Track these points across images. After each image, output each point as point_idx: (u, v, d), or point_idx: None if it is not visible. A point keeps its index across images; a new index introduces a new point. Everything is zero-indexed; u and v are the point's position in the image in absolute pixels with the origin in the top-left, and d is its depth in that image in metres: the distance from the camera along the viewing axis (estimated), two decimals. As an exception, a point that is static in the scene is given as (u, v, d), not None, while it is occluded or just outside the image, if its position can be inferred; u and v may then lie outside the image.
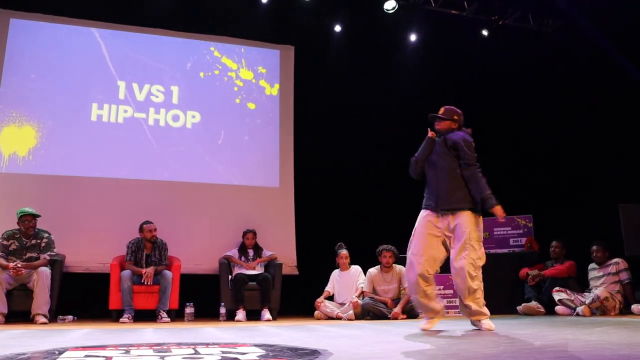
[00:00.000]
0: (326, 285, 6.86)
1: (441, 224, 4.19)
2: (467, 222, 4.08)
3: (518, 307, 6.58)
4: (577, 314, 6.13)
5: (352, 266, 6.85)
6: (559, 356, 2.33)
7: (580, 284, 6.69)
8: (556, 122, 8.43)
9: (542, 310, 6.49)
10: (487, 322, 4.08)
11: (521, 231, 7.52)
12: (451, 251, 4.15)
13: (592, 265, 6.64)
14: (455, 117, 4.44)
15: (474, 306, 4.06)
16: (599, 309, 6.15)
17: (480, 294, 4.07)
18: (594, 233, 6.97)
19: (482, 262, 4.10)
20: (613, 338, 3.13)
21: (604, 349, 2.55)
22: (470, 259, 4.01)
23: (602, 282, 6.43)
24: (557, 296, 6.45)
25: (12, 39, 7.23)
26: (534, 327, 4.27)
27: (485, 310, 4.11)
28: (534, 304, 6.51)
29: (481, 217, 4.20)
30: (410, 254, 4.25)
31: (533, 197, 8.26)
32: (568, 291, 6.48)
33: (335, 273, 6.88)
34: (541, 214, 7.73)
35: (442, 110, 4.49)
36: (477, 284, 4.05)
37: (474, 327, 4.19)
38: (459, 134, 4.34)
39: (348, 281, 6.74)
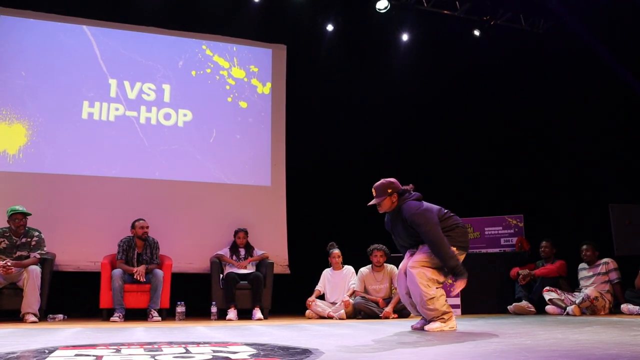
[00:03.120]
0: (317, 284, 6.86)
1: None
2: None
3: (509, 307, 6.60)
4: (567, 314, 6.17)
5: (345, 266, 6.85)
6: (549, 355, 2.34)
7: (571, 284, 6.73)
8: (547, 122, 8.48)
9: (533, 309, 6.52)
10: (437, 325, 3.96)
11: (512, 231, 7.55)
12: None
13: (582, 265, 6.68)
14: (389, 191, 4.18)
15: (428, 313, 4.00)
16: (589, 308, 6.18)
17: (434, 304, 3.96)
18: (585, 233, 7.02)
19: (437, 277, 4.01)
20: (603, 337, 3.14)
21: (594, 348, 2.57)
22: (422, 268, 3.97)
23: (592, 281, 6.47)
24: (547, 296, 6.48)
25: (2, 36, 7.18)
26: (525, 327, 4.29)
27: (443, 308, 4.00)
28: (524, 303, 6.53)
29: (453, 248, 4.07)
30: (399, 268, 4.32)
31: (524, 196, 8.30)
32: (558, 291, 6.51)
33: (327, 272, 6.88)
34: (532, 214, 7.77)
35: (374, 193, 4.24)
36: (433, 294, 3.96)
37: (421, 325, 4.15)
38: (406, 208, 4.13)
39: (340, 281, 6.74)
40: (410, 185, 4.31)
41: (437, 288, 4.01)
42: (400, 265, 4.32)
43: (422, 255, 4.04)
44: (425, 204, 4.19)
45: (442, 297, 4.02)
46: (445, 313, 4.02)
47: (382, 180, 4.26)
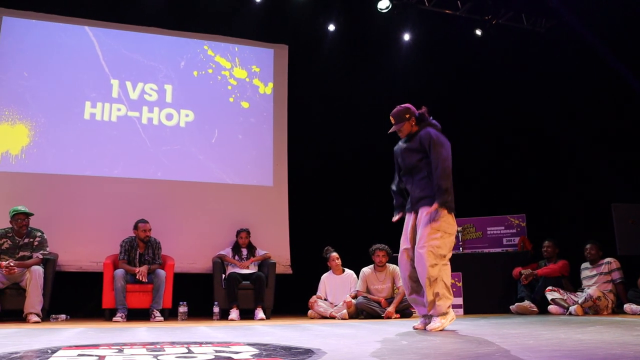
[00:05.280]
0: (317, 288, 6.83)
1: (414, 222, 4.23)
2: (423, 221, 4.07)
3: (511, 307, 6.59)
4: (570, 314, 6.16)
5: (346, 271, 6.82)
6: (551, 355, 2.33)
7: (573, 284, 6.72)
8: (549, 121, 8.47)
9: (535, 309, 6.51)
10: (439, 322, 3.97)
11: (514, 230, 7.54)
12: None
13: (584, 265, 6.67)
14: (407, 116, 4.25)
15: (429, 297, 4.00)
16: (592, 308, 6.18)
17: (440, 287, 3.97)
18: (587, 232, 7.01)
19: (442, 252, 4.00)
20: (606, 337, 3.14)
21: (597, 348, 2.56)
22: (429, 247, 3.97)
23: (594, 281, 6.46)
24: (550, 295, 6.47)
25: (4, 37, 7.19)
26: (527, 327, 4.28)
27: (444, 308, 4.01)
28: (527, 303, 6.53)
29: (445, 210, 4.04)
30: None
31: (526, 196, 8.29)
32: (561, 290, 6.50)
33: (325, 277, 6.85)
34: (534, 214, 7.76)
35: (392, 120, 4.30)
36: (436, 273, 3.96)
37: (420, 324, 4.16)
38: (428, 131, 4.18)
39: (341, 286, 6.71)
40: (424, 107, 4.35)
41: (443, 265, 4.00)
42: (401, 244, 4.27)
43: (427, 231, 4.02)
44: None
45: (446, 275, 4.01)
46: (447, 307, 4.04)
47: (398, 107, 4.30)
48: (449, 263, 4.09)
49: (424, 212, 4.08)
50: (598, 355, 2.30)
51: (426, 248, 3.97)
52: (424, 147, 4.14)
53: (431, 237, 4.00)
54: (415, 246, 4.09)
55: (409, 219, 4.29)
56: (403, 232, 4.30)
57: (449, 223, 4.05)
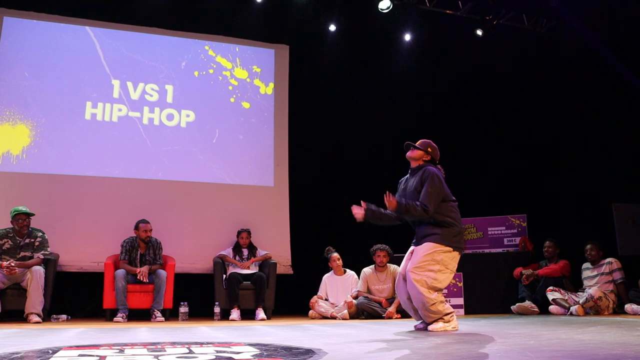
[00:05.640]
0: (318, 288, 6.83)
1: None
2: (424, 247, 4.09)
3: (512, 307, 6.59)
4: (571, 314, 6.16)
5: (347, 271, 6.83)
6: (552, 356, 2.33)
7: (574, 284, 6.72)
8: (550, 121, 8.47)
9: (536, 309, 6.51)
10: (440, 325, 3.99)
11: (515, 231, 7.53)
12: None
13: (585, 265, 6.67)
14: (429, 150, 4.38)
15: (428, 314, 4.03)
16: (593, 308, 6.17)
17: (436, 307, 3.98)
18: (588, 233, 7.00)
19: (439, 285, 4.00)
20: (607, 337, 3.14)
21: (598, 349, 2.56)
22: (426, 275, 3.97)
23: (595, 281, 6.45)
24: (550, 296, 6.47)
25: (5, 37, 7.19)
26: (528, 327, 4.28)
27: (444, 310, 4.02)
28: (527, 303, 6.53)
29: (449, 248, 4.09)
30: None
31: (527, 196, 8.29)
32: (562, 291, 6.50)
33: (327, 277, 6.85)
34: (535, 214, 7.76)
35: (419, 142, 4.44)
36: (434, 298, 3.96)
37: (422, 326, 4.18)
38: (430, 168, 4.26)
39: (342, 286, 6.72)
40: (440, 167, 4.42)
41: (437, 293, 4.01)
42: (400, 269, 4.30)
43: (421, 259, 4.03)
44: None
45: (442, 301, 4.03)
46: (447, 314, 4.02)
47: (429, 140, 4.45)
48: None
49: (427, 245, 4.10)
50: (599, 355, 2.30)
51: (421, 277, 3.96)
52: (424, 179, 4.18)
53: (428, 268, 4.00)
54: (408, 266, 4.09)
55: (412, 250, 4.30)
56: (404, 259, 4.31)
57: (451, 259, 4.09)
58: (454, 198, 4.28)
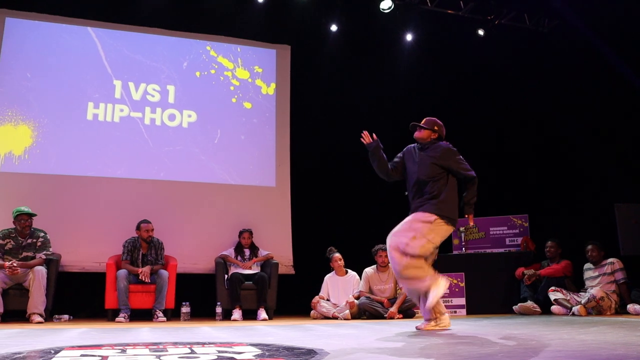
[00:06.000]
0: (320, 288, 6.83)
1: None
2: (407, 218, 4.19)
3: (514, 307, 6.59)
4: (573, 314, 6.15)
5: (349, 272, 6.83)
6: (555, 356, 2.33)
7: (576, 284, 6.71)
8: (552, 121, 8.45)
9: (538, 310, 6.50)
10: (433, 323, 4.10)
11: (517, 231, 7.53)
12: None
13: (587, 265, 6.66)
14: (436, 128, 4.48)
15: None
16: (595, 308, 6.16)
17: (409, 272, 4.02)
18: (590, 233, 6.99)
19: (411, 251, 4.01)
20: (609, 338, 3.13)
21: (600, 349, 2.56)
22: (399, 240, 4.05)
23: (597, 281, 6.44)
24: (553, 296, 6.47)
25: (7, 38, 7.20)
26: (530, 327, 4.28)
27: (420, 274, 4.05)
28: (529, 303, 6.52)
29: (438, 219, 4.12)
30: None
31: (529, 196, 8.28)
32: (564, 291, 6.49)
33: (329, 278, 6.85)
34: (537, 214, 7.75)
35: (424, 120, 4.54)
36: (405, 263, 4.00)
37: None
38: (441, 144, 4.40)
39: (343, 287, 6.71)
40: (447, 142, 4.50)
41: (410, 257, 4.01)
42: None
43: (399, 227, 4.15)
44: None
45: (418, 267, 4.02)
46: (440, 314, 4.13)
47: (435, 118, 4.53)
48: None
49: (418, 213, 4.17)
50: (601, 355, 2.29)
51: (394, 242, 4.07)
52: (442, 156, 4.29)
53: (403, 234, 4.08)
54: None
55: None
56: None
57: (431, 229, 4.09)
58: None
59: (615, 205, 6.98)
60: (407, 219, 4.19)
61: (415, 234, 4.05)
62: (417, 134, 4.50)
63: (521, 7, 8.52)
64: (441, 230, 4.14)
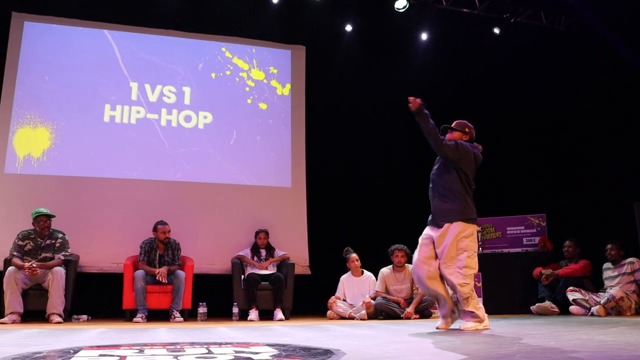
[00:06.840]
0: (336, 289, 6.83)
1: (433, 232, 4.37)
2: (449, 233, 4.23)
3: (532, 307, 6.54)
4: (592, 314, 6.09)
5: (365, 272, 6.80)
6: (573, 357, 2.31)
7: (595, 284, 6.64)
8: (570, 120, 8.36)
9: (556, 310, 6.45)
10: (472, 324, 4.14)
11: (534, 230, 7.47)
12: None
13: (606, 265, 6.58)
14: (467, 130, 4.58)
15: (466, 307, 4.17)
16: (614, 309, 6.10)
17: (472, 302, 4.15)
18: (609, 232, 6.90)
19: (470, 271, 4.16)
20: (629, 339, 3.10)
21: (620, 350, 2.53)
22: (454, 269, 4.14)
23: (617, 281, 6.37)
24: (571, 296, 6.40)
25: (26, 42, 7.29)
26: (548, 327, 4.24)
27: (478, 312, 4.17)
28: (547, 303, 6.46)
29: (472, 225, 4.24)
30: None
31: (546, 195, 8.20)
32: (582, 291, 6.43)
33: (345, 278, 6.83)
34: (555, 213, 7.68)
35: (454, 123, 4.62)
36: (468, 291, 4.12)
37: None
38: (463, 142, 4.49)
39: (359, 287, 6.69)
40: (477, 144, 4.62)
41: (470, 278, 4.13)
42: (417, 256, 4.40)
43: (449, 252, 4.17)
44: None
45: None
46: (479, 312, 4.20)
47: (464, 120, 4.65)
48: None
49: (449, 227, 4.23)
50: (622, 356, 2.27)
51: (453, 270, 4.14)
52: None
53: (457, 258, 4.16)
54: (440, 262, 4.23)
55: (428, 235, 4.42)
56: (420, 245, 4.45)
57: (471, 240, 4.24)
58: (474, 185, 4.45)
59: (634, 204, 6.89)
60: (446, 241, 4.21)
61: (468, 252, 4.18)
62: (448, 136, 4.54)
63: (537, 4, 8.43)
64: (475, 235, 4.32)
